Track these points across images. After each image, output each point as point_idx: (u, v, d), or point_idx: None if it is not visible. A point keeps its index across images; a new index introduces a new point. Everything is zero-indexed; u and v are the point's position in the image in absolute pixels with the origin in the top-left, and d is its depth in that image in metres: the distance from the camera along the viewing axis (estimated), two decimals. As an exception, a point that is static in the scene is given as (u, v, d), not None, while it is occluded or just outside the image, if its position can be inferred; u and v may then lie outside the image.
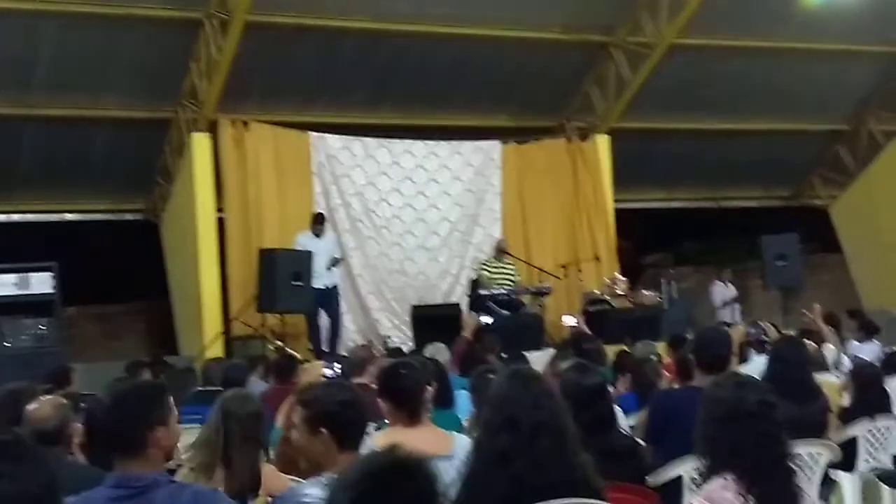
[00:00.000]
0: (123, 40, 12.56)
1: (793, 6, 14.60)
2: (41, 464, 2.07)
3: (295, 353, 10.93)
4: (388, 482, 2.10)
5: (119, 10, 12.19)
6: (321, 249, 12.49)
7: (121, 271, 15.36)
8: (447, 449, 4.12)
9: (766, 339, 8.75)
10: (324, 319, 12.62)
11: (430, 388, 4.50)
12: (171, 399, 3.48)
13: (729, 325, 12.83)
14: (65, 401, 4.79)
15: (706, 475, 3.34)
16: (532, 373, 3.77)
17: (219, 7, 12.12)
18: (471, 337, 9.20)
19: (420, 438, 4.19)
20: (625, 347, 9.77)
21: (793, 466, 3.33)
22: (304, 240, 12.57)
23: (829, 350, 8.99)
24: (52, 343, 10.89)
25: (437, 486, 2.18)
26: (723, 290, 15.25)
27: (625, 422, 6.13)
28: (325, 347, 12.38)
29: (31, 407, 4.59)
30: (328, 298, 12.54)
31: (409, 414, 4.28)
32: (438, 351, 8.09)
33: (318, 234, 12.66)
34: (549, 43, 14.47)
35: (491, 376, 5.03)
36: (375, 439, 4.17)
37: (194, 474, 4.05)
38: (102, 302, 15.90)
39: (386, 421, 4.44)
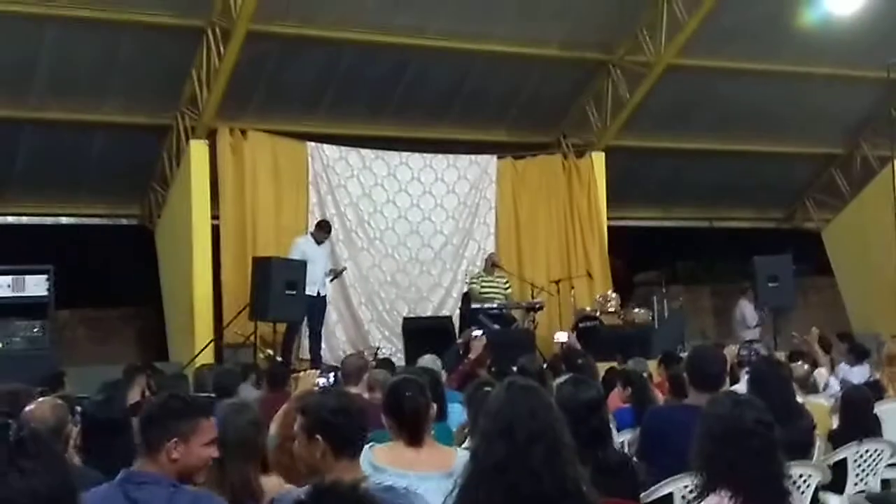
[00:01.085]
0: (125, 46, 12.58)
1: (790, 30, 14.72)
2: (58, 461, 2.09)
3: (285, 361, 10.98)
4: None
5: (122, 15, 12.21)
6: (318, 256, 12.47)
7: (114, 276, 15.35)
8: (449, 465, 4.15)
9: (755, 359, 8.78)
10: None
11: (433, 407, 4.54)
12: (206, 423, 3.48)
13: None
14: (62, 402, 4.83)
15: (701, 492, 3.38)
16: (530, 384, 3.80)
17: (221, 16, 12.16)
18: (475, 359, 9.13)
19: (422, 455, 4.24)
20: (615, 364, 9.81)
21: (787, 486, 3.38)
22: (303, 243, 12.52)
23: (822, 374, 9.04)
24: (44, 345, 10.89)
25: None
26: (752, 309, 15.16)
27: (617, 438, 6.18)
28: (300, 355, 12.34)
29: (30, 407, 4.64)
30: (315, 307, 12.47)
31: (412, 433, 4.31)
32: (432, 363, 8.11)
33: (319, 241, 12.65)
34: (546, 59, 14.55)
35: (487, 389, 5.06)
36: (377, 453, 4.20)
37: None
38: (94, 306, 15.89)
39: (387, 432, 4.47)
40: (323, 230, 12.73)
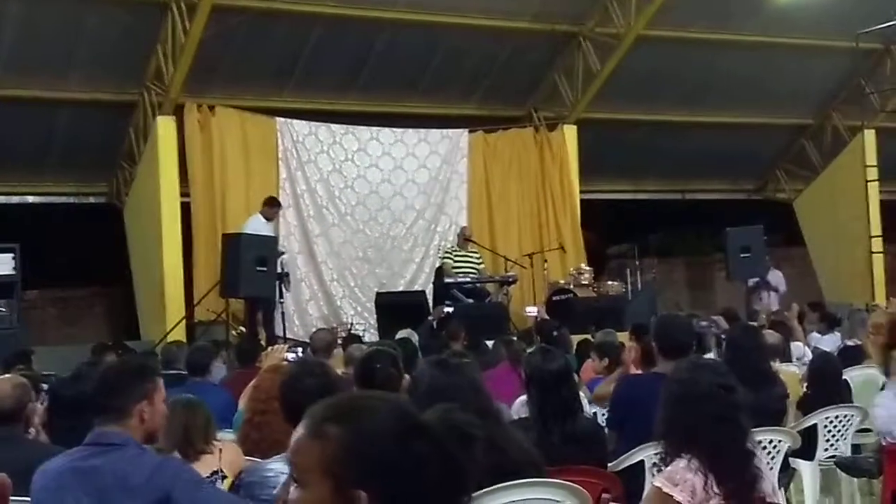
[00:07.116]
0: (89, 21, 12.40)
1: (760, 0, 14.72)
2: None
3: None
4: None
5: (85, -10, 12.06)
6: (268, 233, 12.34)
7: (82, 255, 15.21)
8: None
9: (716, 331, 8.84)
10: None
11: (406, 379, 4.52)
12: (160, 382, 3.65)
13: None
14: (25, 380, 4.76)
15: (667, 457, 3.35)
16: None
17: (185, -11, 12.02)
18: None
19: None
20: (589, 337, 9.81)
21: (751, 448, 3.34)
22: (253, 221, 12.28)
23: (797, 347, 9.09)
24: (11, 325, 10.80)
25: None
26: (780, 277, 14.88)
27: (590, 409, 6.17)
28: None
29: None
30: None
31: None
32: (409, 336, 8.13)
33: (269, 218, 12.48)
34: (517, 32, 14.46)
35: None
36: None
37: None
38: (63, 286, 15.75)
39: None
40: (273, 207, 12.57)
